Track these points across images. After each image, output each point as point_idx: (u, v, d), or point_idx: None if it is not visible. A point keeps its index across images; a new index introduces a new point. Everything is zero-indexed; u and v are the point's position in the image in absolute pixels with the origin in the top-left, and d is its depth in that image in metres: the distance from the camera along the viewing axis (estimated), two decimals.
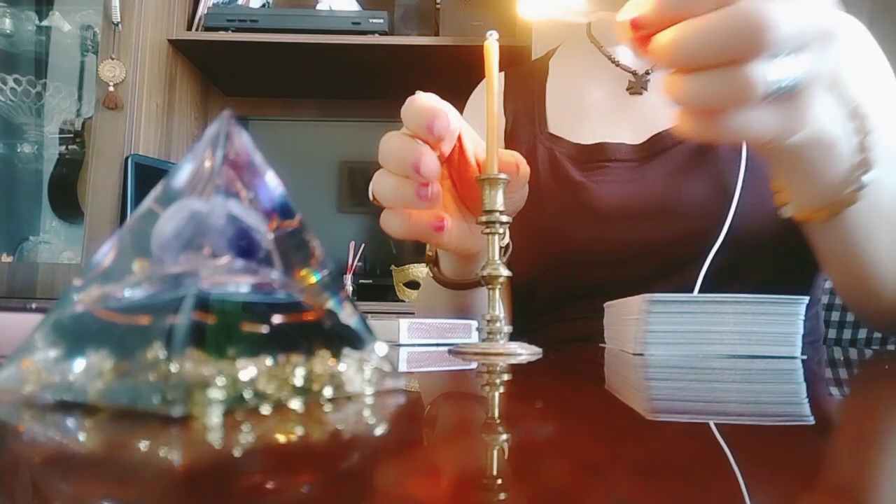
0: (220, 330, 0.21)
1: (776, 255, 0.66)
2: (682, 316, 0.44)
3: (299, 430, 0.19)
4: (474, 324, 0.53)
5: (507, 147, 0.81)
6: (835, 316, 0.96)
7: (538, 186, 0.75)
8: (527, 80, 0.83)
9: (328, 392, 0.22)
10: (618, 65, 0.76)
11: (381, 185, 0.50)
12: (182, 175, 0.24)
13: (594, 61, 0.78)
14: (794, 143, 0.43)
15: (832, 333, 0.96)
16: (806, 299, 0.44)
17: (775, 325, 0.44)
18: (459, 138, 0.51)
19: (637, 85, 0.74)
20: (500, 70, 0.86)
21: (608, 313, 0.56)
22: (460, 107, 0.88)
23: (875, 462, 0.18)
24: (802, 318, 0.44)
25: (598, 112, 0.76)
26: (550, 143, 0.76)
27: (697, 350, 0.44)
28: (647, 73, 0.74)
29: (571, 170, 0.73)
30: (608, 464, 0.17)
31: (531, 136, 0.78)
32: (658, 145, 0.71)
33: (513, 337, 0.46)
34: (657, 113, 0.72)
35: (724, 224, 0.62)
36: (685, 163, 0.69)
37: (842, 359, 0.54)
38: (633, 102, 0.74)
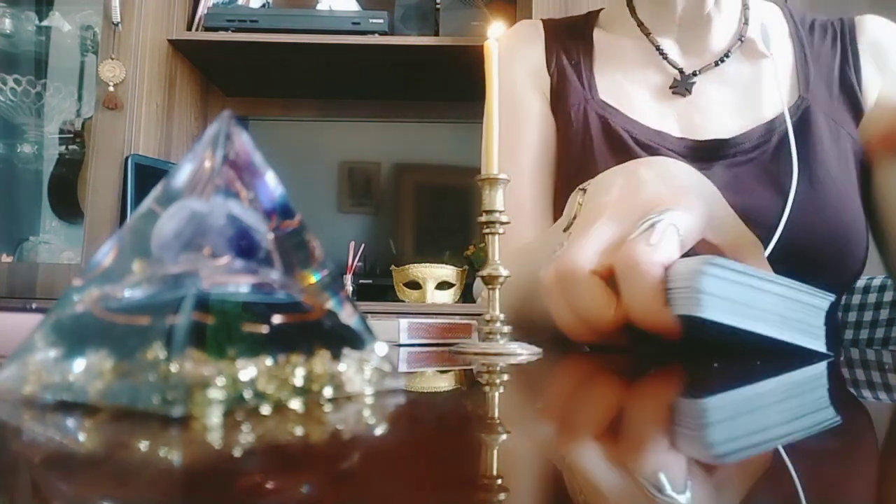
0: (220, 330, 0.21)
1: (822, 271, 0.63)
2: (735, 285, 0.40)
3: (299, 430, 0.19)
4: (474, 324, 0.53)
5: (553, 105, 0.74)
6: (837, 317, 0.96)
7: (589, 152, 0.69)
8: (569, 39, 0.78)
9: (328, 392, 0.22)
10: (665, 58, 0.72)
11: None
12: (182, 175, 0.24)
13: (640, 48, 0.74)
14: None
15: (848, 334, 0.96)
16: (832, 297, 0.43)
17: (807, 315, 0.43)
18: None
19: (682, 86, 0.71)
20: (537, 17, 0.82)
21: None
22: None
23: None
24: (824, 313, 0.44)
25: (645, 102, 0.72)
26: (603, 110, 0.72)
27: (740, 322, 0.40)
28: (693, 73, 0.72)
29: (629, 141, 0.69)
30: (608, 463, 0.17)
31: (581, 100, 0.73)
32: (718, 151, 0.68)
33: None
34: (705, 116, 0.70)
35: (772, 238, 0.60)
36: (745, 175, 0.66)
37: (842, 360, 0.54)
38: (677, 100, 0.72)
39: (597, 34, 0.79)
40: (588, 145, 0.70)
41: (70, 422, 0.19)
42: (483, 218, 0.46)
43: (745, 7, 0.73)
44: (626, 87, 0.73)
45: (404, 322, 0.51)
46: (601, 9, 0.82)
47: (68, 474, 0.15)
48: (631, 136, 0.69)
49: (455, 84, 1.79)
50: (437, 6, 1.84)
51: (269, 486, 0.14)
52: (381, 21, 1.75)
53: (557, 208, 0.72)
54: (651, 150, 0.68)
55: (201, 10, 1.81)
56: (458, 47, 1.72)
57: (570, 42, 0.78)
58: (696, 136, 0.69)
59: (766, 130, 0.68)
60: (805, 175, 0.65)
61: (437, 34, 1.81)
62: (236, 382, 0.20)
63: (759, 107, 0.70)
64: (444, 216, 2.04)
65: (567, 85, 0.75)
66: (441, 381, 0.34)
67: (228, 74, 1.98)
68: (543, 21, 0.81)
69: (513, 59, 0.78)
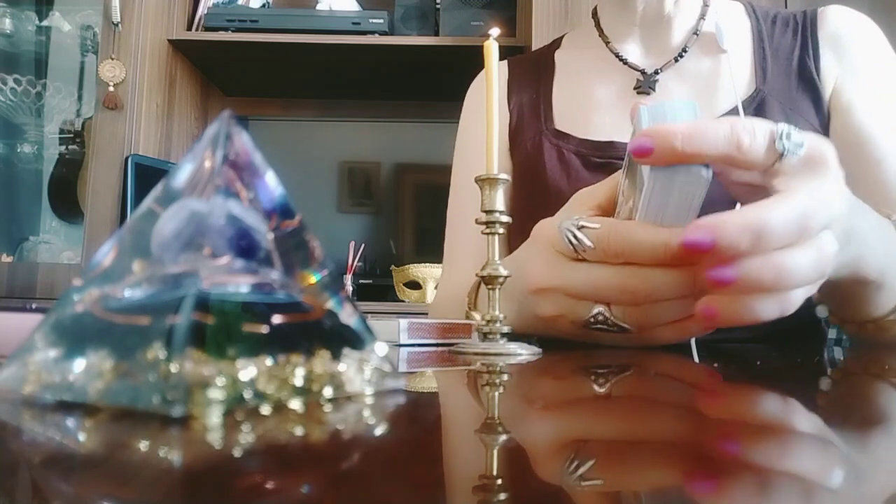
0: (220, 330, 0.21)
1: None
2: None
3: (299, 430, 0.19)
4: (474, 324, 0.53)
5: (511, 143, 0.80)
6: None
7: (545, 185, 0.73)
8: (531, 72, 0.82)
9: (328, 392, 0.22)
10: (626, 63, 0.75)
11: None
12: (182, 175, 0.24)
13: (601, 57, 0.77)
14: (841, 280, 0.47)
15: (832, 333, 0.96)
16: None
17: None
18: None
19: (645, 84, 0.73)
20: (502, 59, 0.86)
21: None
22: (460, 106, 0.88)
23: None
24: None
25: (606, 110, 0.75)
26: (557, 139, 0.75)
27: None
28: (655, 72, 0.74)
29: (580, 167, 0.72)
30: (607, 462, 0.17)
31: (536, 133, 0.77)
32: None
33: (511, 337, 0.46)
34: None
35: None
36: None
37: (842, 359, 0.53)
38: (641, 99, 0.73)
39: (559, 55, 0.83)
40: (541, 173, 0.73)
41: (70, 422, 0.19)
42: (483, 218, 0.46)
43: (706, 5, 0.75)
44: (586, 102, 0.76)
45: (404, 322, 0.51)
46: (565, 34, 0.87)
47: (68, 474, 0.15)
48: (582, 159, 0.72)
49: (455, 84, 1.79)
50: (437, 6, 1.84)
51: (269, 486, 0.14)
52: (381, 21, 1.75)
53: (513, 244, 0.73)
54: (601, 165, 0.71)
55: (201, 10, 1.81)
56: (458, 47, 1.72)
57: (532, 75, 0.82)
58: None
59: None
60: None
61: (437, 34, 1.81)
62: (236, 382, 0.20)
63: (717, 100, 0.71)
64: (445, 216, 2.03)
65: (524, 121, 0.79)
66: (441, 381, 0.34)
67: (228, 74, 1.98)
68: (509, 61, 0.86)
69: (476, 106, 0.85)
